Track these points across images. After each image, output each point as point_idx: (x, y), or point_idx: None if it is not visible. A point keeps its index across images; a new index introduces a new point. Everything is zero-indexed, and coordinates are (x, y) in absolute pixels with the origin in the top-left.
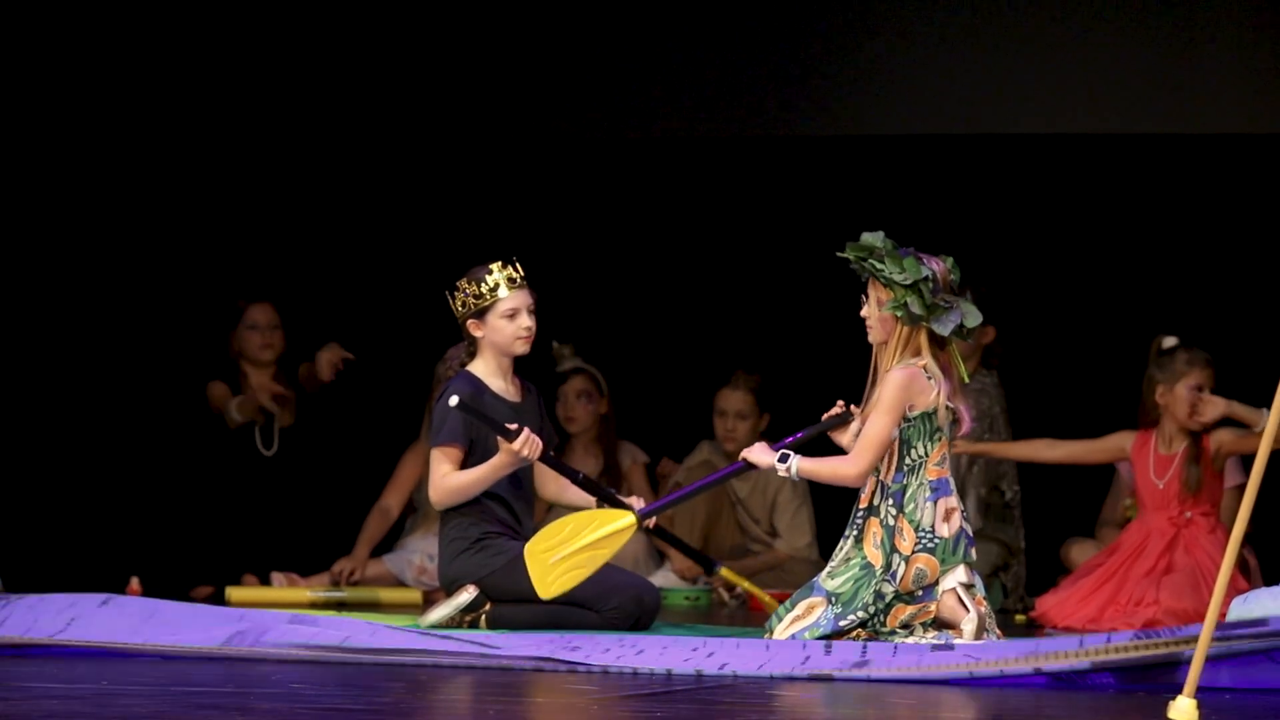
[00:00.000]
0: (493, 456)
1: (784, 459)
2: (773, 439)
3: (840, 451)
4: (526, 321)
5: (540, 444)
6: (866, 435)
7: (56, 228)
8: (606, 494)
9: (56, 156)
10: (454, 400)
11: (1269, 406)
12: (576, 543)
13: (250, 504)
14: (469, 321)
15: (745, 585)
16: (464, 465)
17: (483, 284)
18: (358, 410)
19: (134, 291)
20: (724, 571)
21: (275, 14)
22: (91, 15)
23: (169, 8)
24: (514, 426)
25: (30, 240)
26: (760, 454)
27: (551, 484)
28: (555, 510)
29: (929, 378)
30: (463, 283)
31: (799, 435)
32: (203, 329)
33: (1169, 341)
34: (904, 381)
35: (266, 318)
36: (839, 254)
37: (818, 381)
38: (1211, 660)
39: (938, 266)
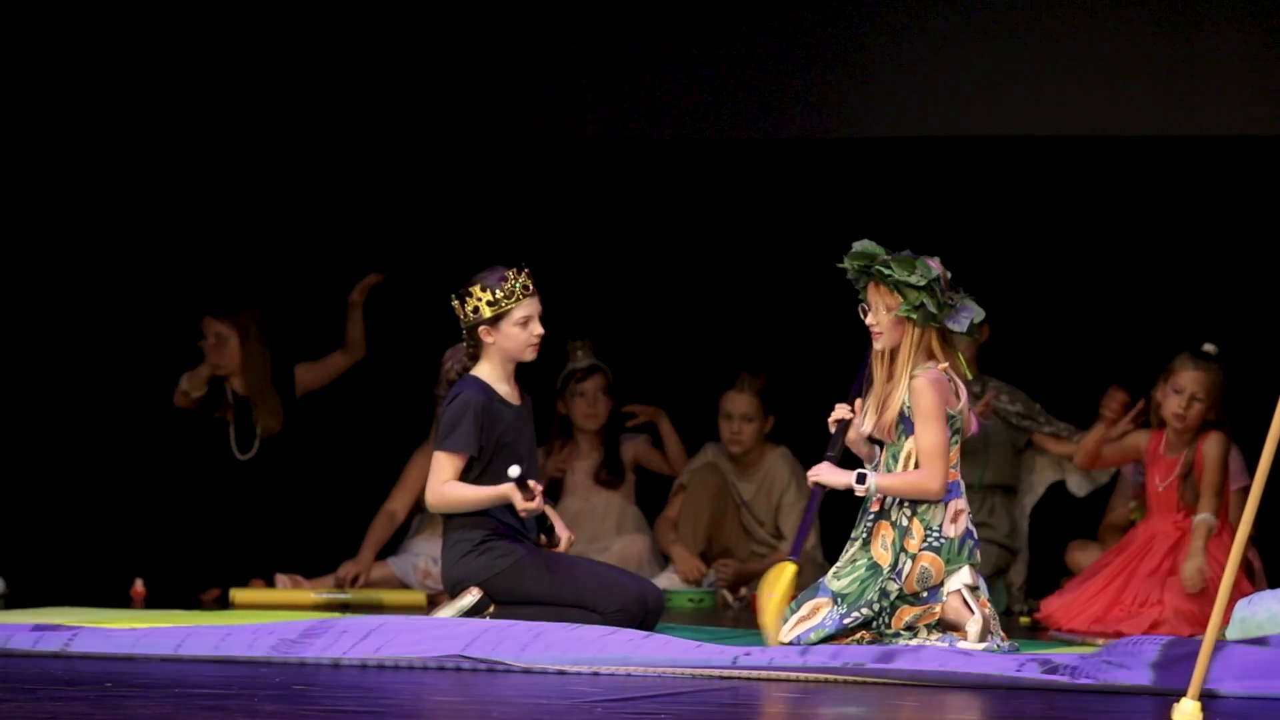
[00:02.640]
0: (497, 464)
1: (861, 479)
2: (777, 441)
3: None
4: (539, 329)
5: (542, 504)
6: (928, 448)
7: (58, 228)
8: (547, 528)
9: (45, 161)
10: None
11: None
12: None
13: (225, 508)
14: (480, 327)
15: None
16: (467, 472)
17: (498, 290)
18: (345, 416)
19: (128, 294)
20: None
21: (278, 12)
22: (83, 15)
23: (166, 6)
24: (532, 484)
25: (27, 241)
26: (832, 474)
27: None
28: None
29: (950, 380)
30: (474, 289)
31: (830, 454)
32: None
33: (1207, 347)
34: (936, 385)
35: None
36: (838, 265)
37: (823, 383)
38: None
39: (937, 266)
